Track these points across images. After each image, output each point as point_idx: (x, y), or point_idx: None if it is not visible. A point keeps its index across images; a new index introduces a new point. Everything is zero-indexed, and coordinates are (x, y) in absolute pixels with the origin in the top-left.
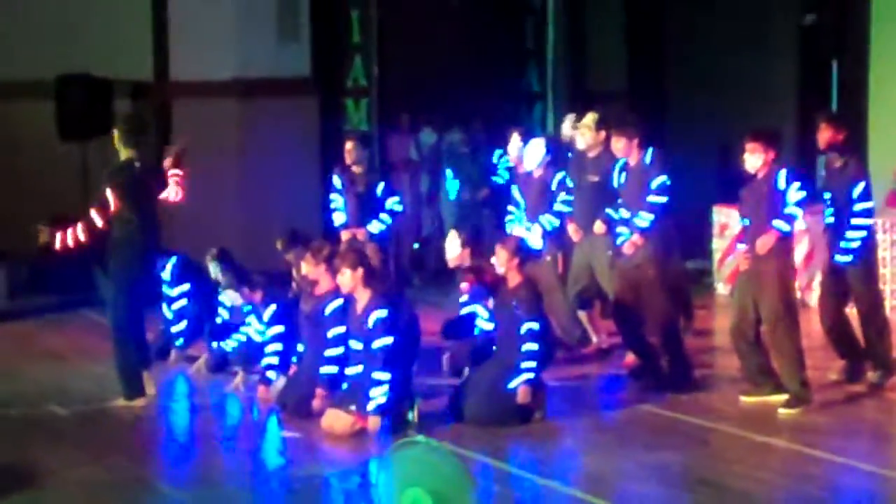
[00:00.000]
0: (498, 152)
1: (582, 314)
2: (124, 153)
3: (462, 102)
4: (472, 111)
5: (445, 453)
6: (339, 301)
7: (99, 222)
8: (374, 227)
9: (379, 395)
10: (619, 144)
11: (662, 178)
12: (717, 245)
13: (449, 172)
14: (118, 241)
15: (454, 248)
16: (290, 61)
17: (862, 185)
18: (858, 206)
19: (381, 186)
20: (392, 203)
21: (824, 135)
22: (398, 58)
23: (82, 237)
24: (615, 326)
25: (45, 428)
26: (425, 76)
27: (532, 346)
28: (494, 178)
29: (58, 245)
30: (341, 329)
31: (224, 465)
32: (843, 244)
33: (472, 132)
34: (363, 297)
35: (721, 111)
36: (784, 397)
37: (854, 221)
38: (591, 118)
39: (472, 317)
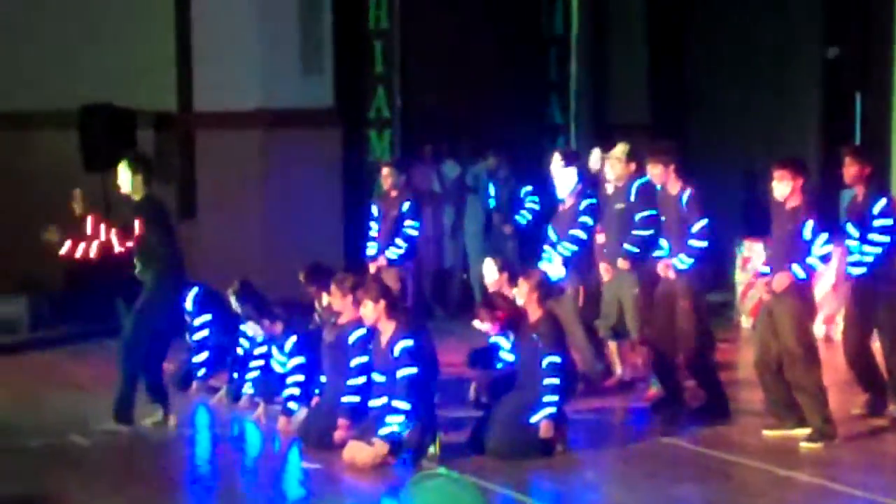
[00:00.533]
0: (525, 189)
1: (613, 344)
2: (142, 191)
3: (485, 134)
4: (494, 143)
5: (467, 485)
6: (363, 330)
7: (117, 247)
8: (392, 252)
9: (394, 424)
10: (655, 171)
11: (703, 223)
12: (741, 278)
13: (492, 188)
14: (154, 277)
15: (492, 274)
16: (314, 92)
17: (883, 201)
18: (878, 223)
19: (406, 205)
20: (407, 227)
21: (850, 169)
22: (421, 89)
23: (93, 254)
24: (648, 354)
25: (67, 458)
26: (448, 108)
27: (554, 380)
28: (518, 217)
29: (64, 251)
30: (364, 359)
31: (245, 496)
32: (858, 257)
33: (499, 163)
34: (387, 329)
35: (744, 144)
36: (807, 431)
37: (871, 237)
38: (621, 149)
39: (497, 347)
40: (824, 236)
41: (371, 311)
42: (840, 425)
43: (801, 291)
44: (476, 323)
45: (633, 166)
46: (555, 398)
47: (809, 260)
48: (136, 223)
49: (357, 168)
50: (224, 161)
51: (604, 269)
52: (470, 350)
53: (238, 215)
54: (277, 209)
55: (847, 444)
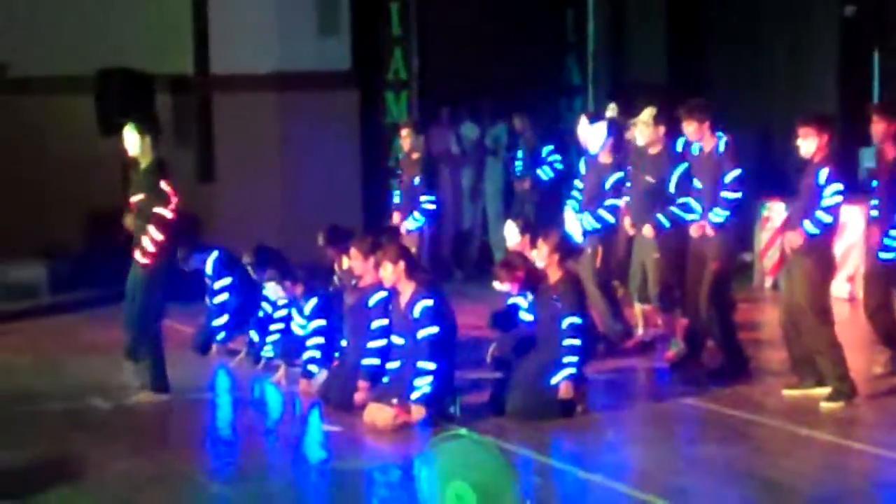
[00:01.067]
0: (548, 148)
1: (639, 307)
2: (151, 155)
3: (502, 95)
4: (514, 104)
5: (488, 446)
6: (384, 293)
7: (168, 215)
8: (410, 223)
9: (424, 385)
10: (689, 128)
11: (736, 172)
12: (762, 237)
13: (520, 153)
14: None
15: (514, 237)
16: (331, 55)
17: None
18: None
19: (416, 180)
20: (425, 202)
21: (878, 126)
22: (438, 51)
23: (159, 236)
24: (668, 317)
25: (88, 421)
26: (465, 69)
27: (574, 341)
28: (539, 173)
29: (151, 258)
30: (384, 321)
31: (266, 459)
32: (886, 240)
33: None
34: (407, 289)
35: (762, 103)
36: (827, 390)
37: None
38: (648, 113)
39: (517, 308)
40: (836, 186)
41: (390, 272)
42: (861, 384)
43: (818, 250)
44: (496, 283)
45: (661, 129)
46: (575, 359)
47: (818, 213)
48: (165, 185)
49: (374, 130)
50: (241, 124)
51: (628, 224)
52: (491, 312)
53: (256, 178)
54: (295, 172)
55: (867, 403)
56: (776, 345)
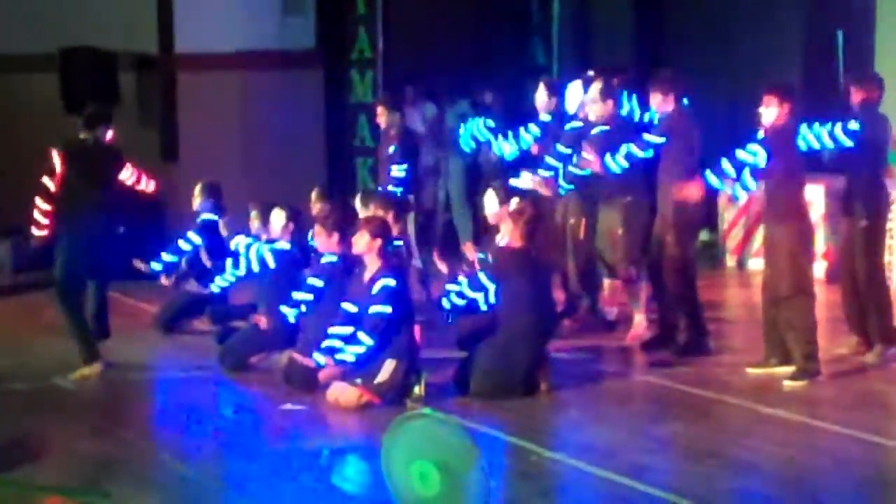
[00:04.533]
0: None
1: (608, 282)
2: (83, 133)
3: (467, 74)
4: (477, 84)
5: (452, 425)
6: (333, 257)
7: (51, 187)
8: None
9: (349, 354)
10: (654, 100)
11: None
12: (726, 216)
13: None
14: (70, 213)
15: (493, 205)
16: (295, 34)
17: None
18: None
19: (392, 148)
20: (396, 170)
21: (857, 96)
22: (403, 30)
23: (43, 206)
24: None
25: (51, 401)
26: (431, 49)
27: None
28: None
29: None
30: (353, 308)
31: (230, 438)
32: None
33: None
34: (373, 265)
35: (728, 82)
36: (790, 369)
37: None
38: (594, 90)
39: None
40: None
41: (364, 244)
42: (825, 364)
43: (794, 218)
44: (467, 249)
45: (610, 104)
46: None
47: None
48: (55, 156)
49: (339, 109)
50: (206, 103)
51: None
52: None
53: (220, 157)
54: (260, 151)
55: (831, 382)
56: (740, 324)
